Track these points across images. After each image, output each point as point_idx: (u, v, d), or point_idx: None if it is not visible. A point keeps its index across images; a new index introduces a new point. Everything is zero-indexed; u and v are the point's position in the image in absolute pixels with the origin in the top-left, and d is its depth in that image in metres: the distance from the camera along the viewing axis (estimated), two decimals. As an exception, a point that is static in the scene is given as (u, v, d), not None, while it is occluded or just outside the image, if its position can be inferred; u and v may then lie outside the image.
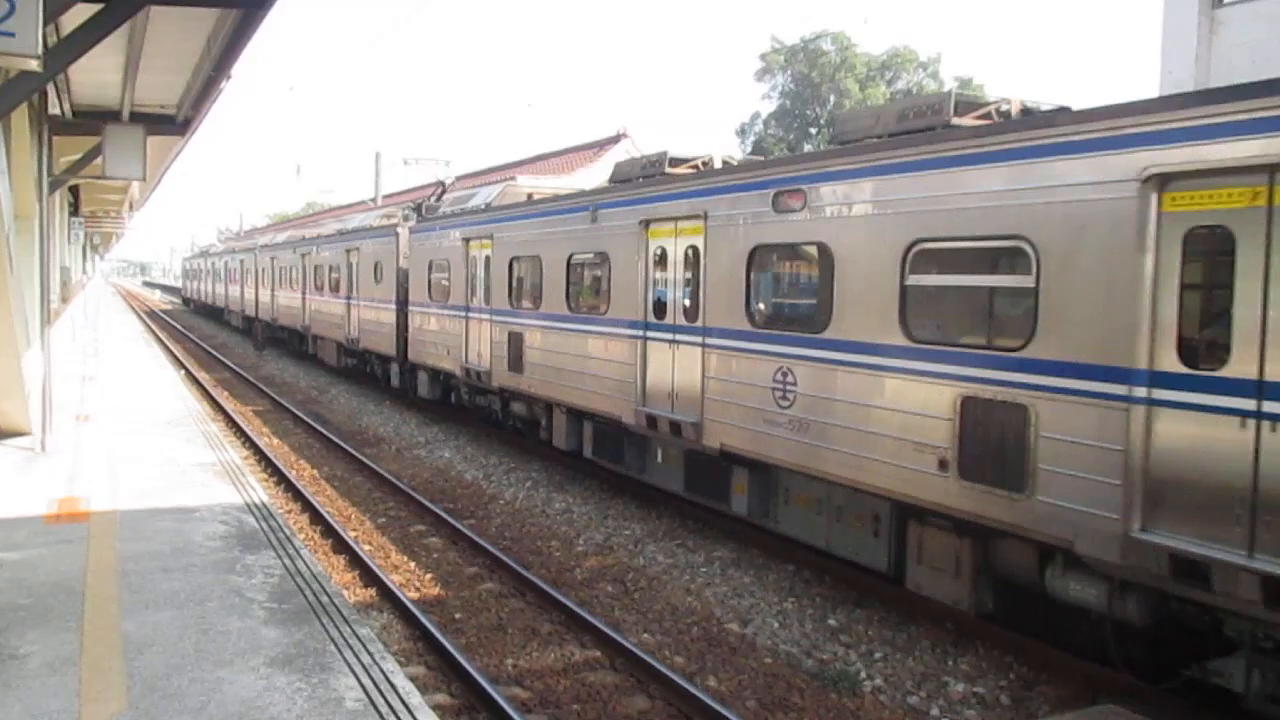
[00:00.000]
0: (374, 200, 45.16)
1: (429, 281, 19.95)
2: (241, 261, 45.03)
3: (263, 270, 38.92)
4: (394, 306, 22.02)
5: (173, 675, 6.24)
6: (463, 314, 18.13)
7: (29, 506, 10.39)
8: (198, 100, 14.37)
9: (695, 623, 9.46)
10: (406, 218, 23.14)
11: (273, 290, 36.55)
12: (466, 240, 17.92)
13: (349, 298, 25.84)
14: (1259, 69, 11.32)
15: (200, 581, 8.12)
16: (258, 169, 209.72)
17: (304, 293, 31.30)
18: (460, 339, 18.15)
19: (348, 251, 26.19)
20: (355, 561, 10.95)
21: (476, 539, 11.74)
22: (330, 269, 28.10)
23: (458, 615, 9.58)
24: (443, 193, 24.01)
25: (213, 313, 57.48)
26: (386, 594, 9.90)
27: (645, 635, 9.14)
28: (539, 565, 11.12)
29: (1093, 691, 7.82)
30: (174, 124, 15.99)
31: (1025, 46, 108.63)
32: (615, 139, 31.81)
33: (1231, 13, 15.40)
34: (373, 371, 25.27)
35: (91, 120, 15.23)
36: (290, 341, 35.08)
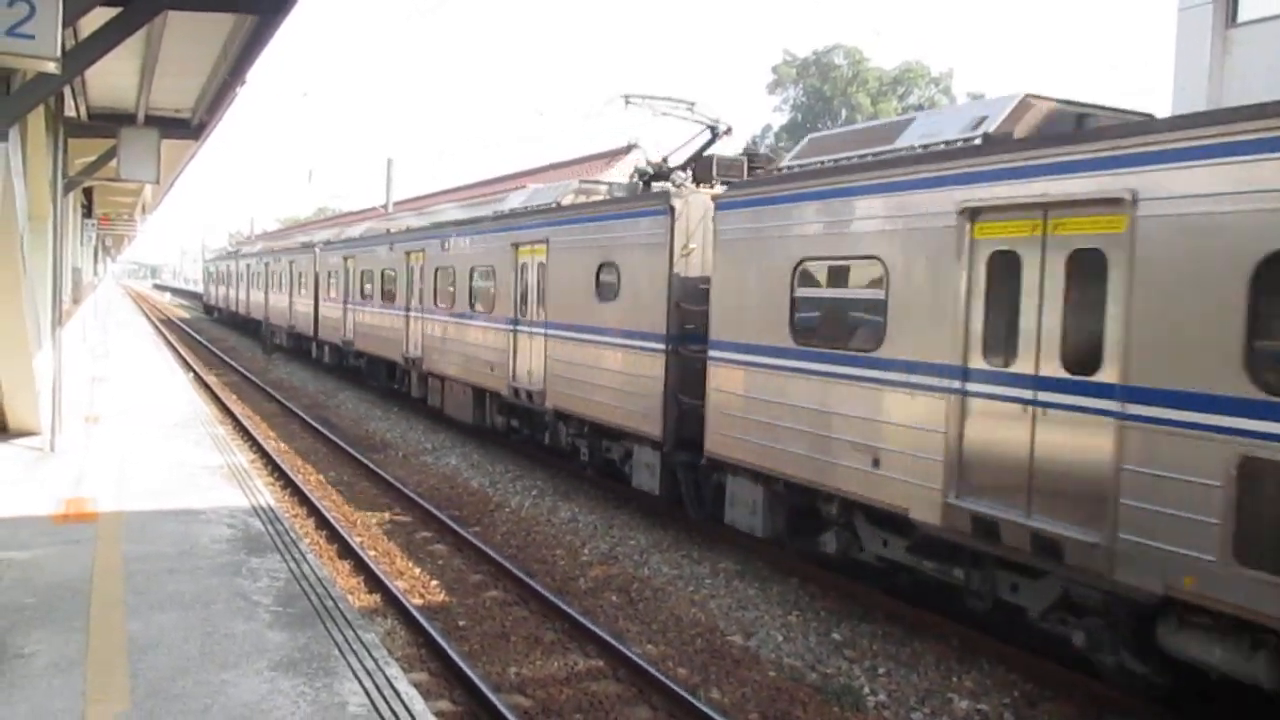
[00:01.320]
0: (385, 206, 45.37)
1: (789, 304, 10.16)
2: (291, 264, 35.18)
3: (329, 275, 29.48)
4: (660, 347, 12.38)
5: (177, 677, 6.25)
6: (956, 384, 8.26)
7: (37, 506, 10.44)
8: (212, 104, 14.45)
9: (699, 634, 9.45)
10: (637, 185, 14.61)
11: (346, 303, 27.23)
12: (972, 214, 8.14)
13: (516, 321, 16.46)
14: (1273, 88, 11.34)
15: (206, 584, 8.14)
16: (269, 174, 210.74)
17: (408, 309, 21.98)
18: (940, 439, 8.33)
19: (516, 247, 16.53)
20: (360, 567, 10.97)
21: (481, 546, 11.75)
22: (473, 275, 18.41)
23: (462, 622, 9.59)
24: (711, 141, 14.42)
25: (246, 326, 47.27)
26: (391, 600, 9.91)
27: (649, 646, 9.13)
28: (543, 574, 11.12)
29: (1098, 709, 7.79)
30: (188, 128, 16.06)
31: (1041, 61, 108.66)
32: (626, 149, 31.84)
33: (1245, 33, 15.43)
34: (561, 444, 15.42)
35: (107, 123, 15.30)
36: (372, 373, 26.00)
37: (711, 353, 11.31)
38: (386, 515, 13.73)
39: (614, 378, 13.36)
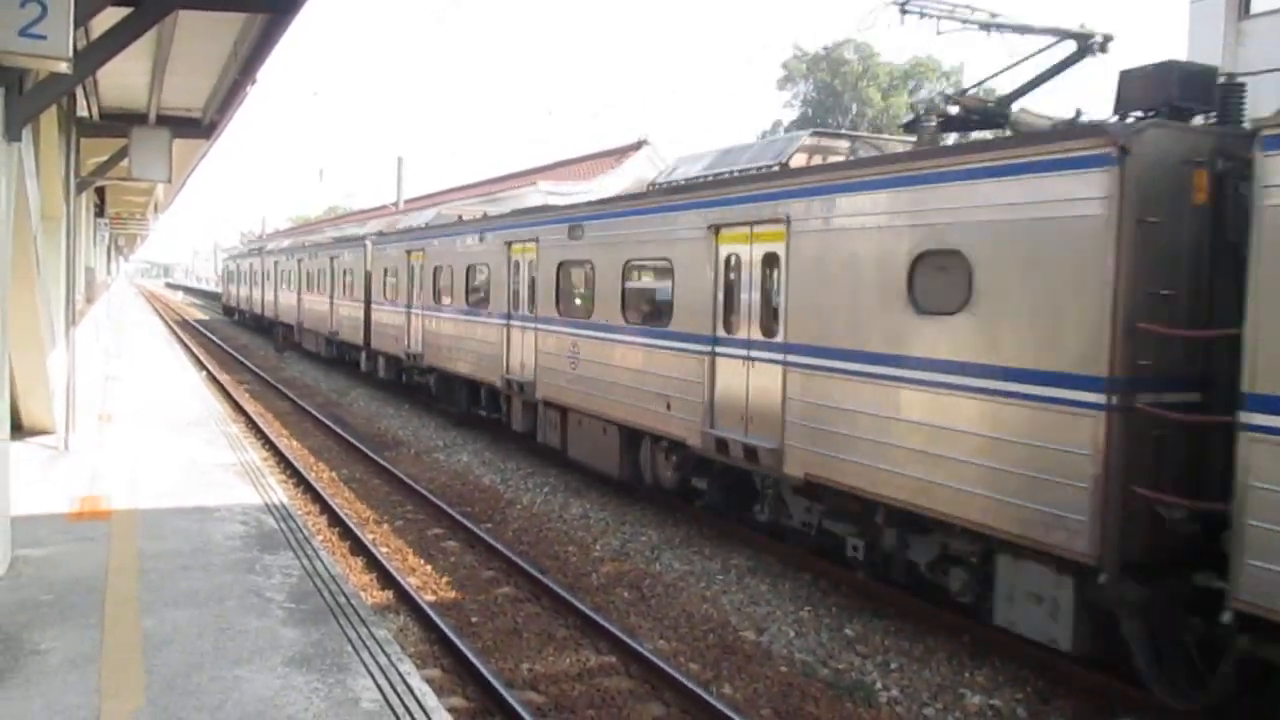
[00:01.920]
0: (396, 204, 45.46)
1: None
2: (333, 260, 29.95)
3: (385, 273, 24.77)
4: (1093, 399, 7.23)
5: (191, 673, 6.28)
6: None
7: (52, 504, 10.49)
8: (223, 104, 14.51)
9: (711, 630, 9.45)
10: (929, 128, 9.85)
11: (410, 308, 22.48)
12: None
13: (715, 341, 11.46)
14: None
15: (220, 580, 8.18)
16: (280, 173, 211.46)
17: (510, 318, 16.99)
18: None
19: (715, 231, 11.42)
20: (373, 563, 11.00)
21: (493, 543, 11.77)
22: (628, 273, 13.44)
23: (474, 618, 9.61)
24: (1078, 55, 9.34)
25: (272, 330, 42.32)
26: (404, 596, 9.93)
27: (661, 641, 9.14)
28: (556, 570, 11.14)
29: (1111, 707, 7.76)
30: (199, 127, 16.12)
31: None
32: (636, 146, 31.89)
33: (1258, 24, 15.32)
34: (794, 524, 10.83)
35: (118, 123, 15.38)
36: (447, 395, 20.75)
37: (1261, 419, 6.20)
38: (399, 512, 13.76)
39: (955, 443, 8.23)
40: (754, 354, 10.84)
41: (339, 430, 19.87)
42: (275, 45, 10.64)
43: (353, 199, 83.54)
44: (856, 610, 9.94)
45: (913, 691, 8.21)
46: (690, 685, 7.81)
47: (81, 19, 7.65)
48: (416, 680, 6.39)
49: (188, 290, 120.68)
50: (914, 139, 10.16)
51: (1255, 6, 15.86)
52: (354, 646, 6.86)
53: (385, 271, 24.89)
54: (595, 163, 33.08)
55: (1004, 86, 10.01)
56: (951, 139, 10.86)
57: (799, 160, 11.26)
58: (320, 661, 6.57)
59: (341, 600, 7.84)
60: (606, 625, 9.10)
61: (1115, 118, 8.01)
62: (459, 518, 12.95)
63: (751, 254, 10.92)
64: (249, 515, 10.42)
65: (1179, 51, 17.44)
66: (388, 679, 6.33)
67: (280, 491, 11.78)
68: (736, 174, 11.75)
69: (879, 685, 8.31)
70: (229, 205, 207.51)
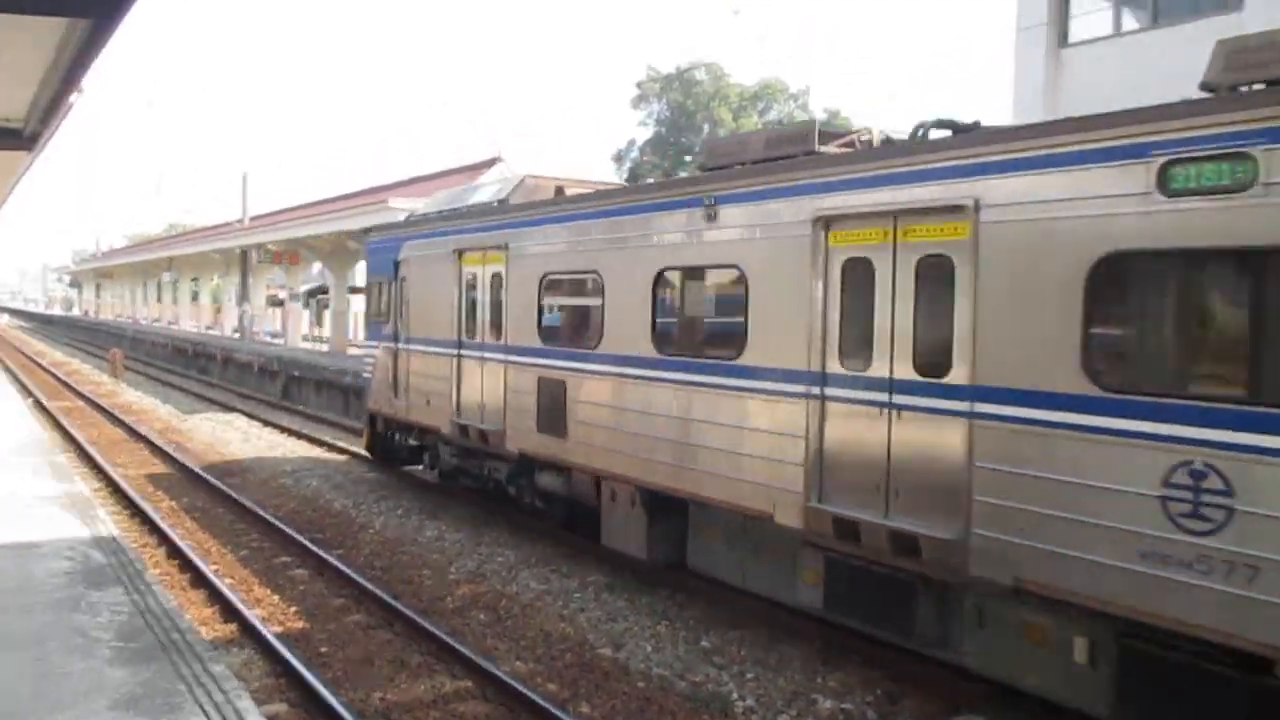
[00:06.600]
0: (241, 221, 43.90)
1: None
2: None
3: None
4: None
5: (5, 723, 5.85)
6: None
7: None
8: (46, 114, 13.67)
9: (568, 649, 9.37)
10: None
11: None
12: None
13: None
14: (1095, 103, 12.07)
15: (40, 621, 7.66)
16: (115, 188, 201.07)
17: None
18: None
19: None
20: (215, 596, 10.49)
21: (344, 569, 11.41)
22: None
23: (323, 649, 9.27)
24: None
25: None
26: (248, 629, 9.51)
27: (517, 663, 9.01)
28: (409, 595, 10.86)
29: (954, 703, 8.05)
30: (20, 138, 15.14)
31: (892, 75, 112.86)
32: (490, 162, 31.66)
33: (1073, 53, 16.50)
34: None
35: (-73, 134, 14.32)
36: None
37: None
38: (244, 541, 13.18)
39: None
40: None
41: (179, 457, 18.94)
42: (99, 53, 10.08)
43: (191, 215, 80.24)
44: (713, 622, 10.03)
45: (768, 700, 8.33)
46: (547, 706, 7.72)
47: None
48: (255, 717, 6.12)
49: (14, 313, 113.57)
50: None
51: (1072, 37, 17.01)
52: (188, 685, 6.52)
53: None
54: (449, 178, 32.67)
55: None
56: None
57: None
58: (149, 702, 6.21)
59: (175, 637, 7.45)
60: (462, 649, 8.92)
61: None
62: (308, 544, 12.50)
63: None
64: (75, 550, 9.81)
65: (1007, 80, 18.46)
66: (223, 717, 6.03)
67: (111, 524, 11.16)
68: None
69: (735, 695, 8.40)
70: (60, 223, 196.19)
